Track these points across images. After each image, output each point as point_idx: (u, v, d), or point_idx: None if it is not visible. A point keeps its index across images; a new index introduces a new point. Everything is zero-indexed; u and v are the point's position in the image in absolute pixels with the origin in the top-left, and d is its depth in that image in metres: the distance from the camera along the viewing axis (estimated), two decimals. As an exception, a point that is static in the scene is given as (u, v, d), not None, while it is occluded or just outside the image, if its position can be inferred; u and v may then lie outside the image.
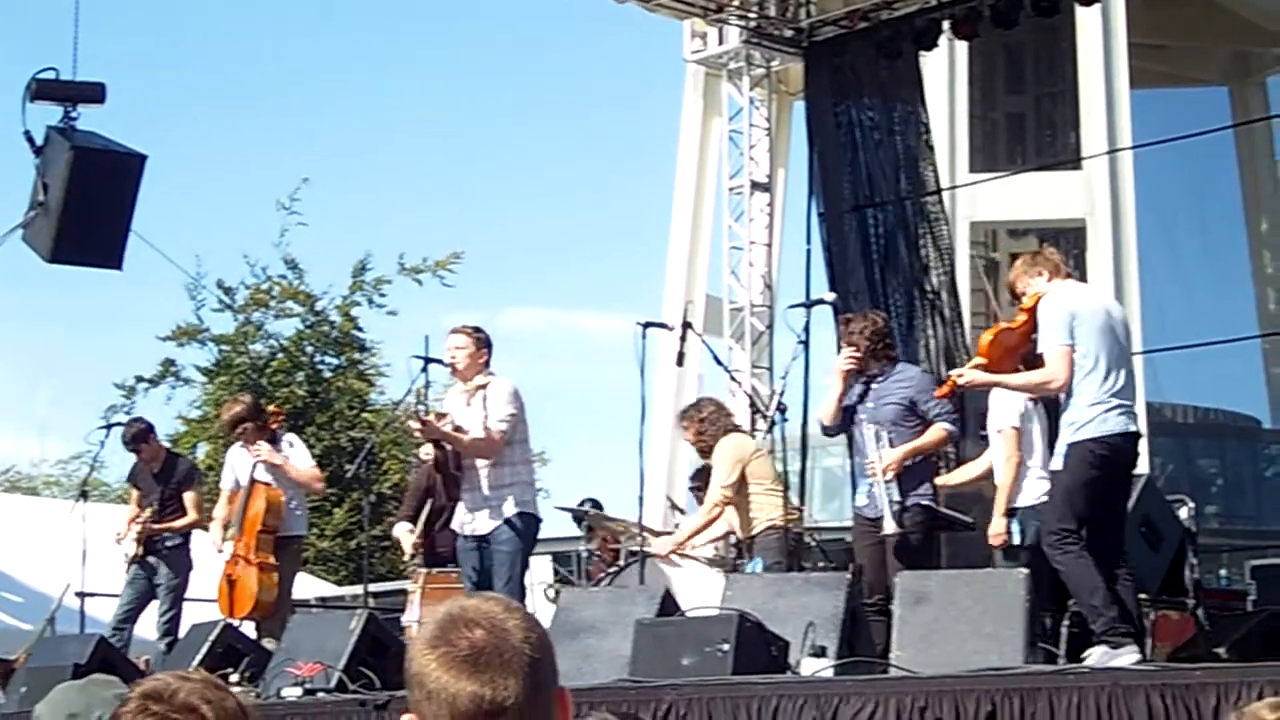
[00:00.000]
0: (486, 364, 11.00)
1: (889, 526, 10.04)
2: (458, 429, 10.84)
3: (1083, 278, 28.97)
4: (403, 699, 8.42)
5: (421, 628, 2.76)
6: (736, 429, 11.86)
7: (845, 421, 10.58)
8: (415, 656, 2.70)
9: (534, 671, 2.68)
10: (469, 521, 10.82)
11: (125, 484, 13.91)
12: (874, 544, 10.27)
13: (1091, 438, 8.69)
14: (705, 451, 11.63)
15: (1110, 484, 8.79)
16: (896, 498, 10.09)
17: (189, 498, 13.21)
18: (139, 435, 13.40)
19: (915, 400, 10.40)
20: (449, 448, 11.03)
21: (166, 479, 13.24)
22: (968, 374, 9.59)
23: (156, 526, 13.00)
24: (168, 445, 15.78)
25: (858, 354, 10.51)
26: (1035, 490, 9.71)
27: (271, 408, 13.01)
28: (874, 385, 10.51)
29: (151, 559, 13.06)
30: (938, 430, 10.34)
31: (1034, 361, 9.10)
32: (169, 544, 13.10)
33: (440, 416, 11.05)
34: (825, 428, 10.86)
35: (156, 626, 13.01)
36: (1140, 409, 28.83)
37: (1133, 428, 8.83)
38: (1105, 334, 8.85)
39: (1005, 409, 10.03)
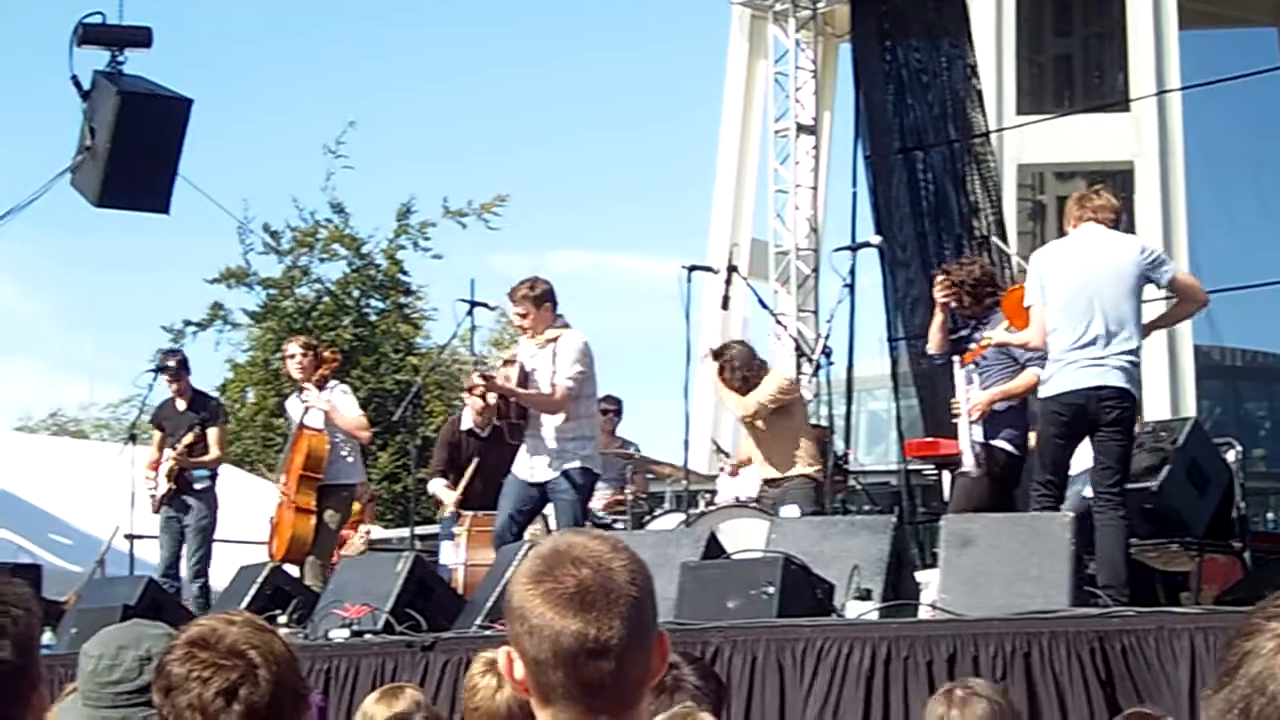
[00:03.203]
0: (553, 314, 10.89)
1: (967, 464, 9.90)
2: (526, 375, 10.79)
3: (1131, 220, 28.94)
4: (449, 640, 8.44)
5: (523, 561, 2.75)
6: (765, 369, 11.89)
7: (954, 352, 10.42)
8: (518, 590, 2.69)
9: (638, 613, 2.69)
10: (529, 467, 10.80)
11: (148, 424, 13.95)
12: (963, 482, 10.18)
13: (1049, 395, 8.85)
14: (746, 388, 11.58)
15: (1076, 441, 8.85)
16: (979, 439, 9.92)
17: (213, 434, 13.27)
18: (182, 364, 13.46)
19: (1008, 344, 10.20)
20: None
21: (197, 414, 13.31)
22: (994, 335, 9.65)
23: (192, 461, 13.08)
24: (218, 387, 15.89)
25: (951, 288, 10.34)
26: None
27: (327, 354, 13.05)
28: (979, 329, 10.34)
29: (184, 497, 13.14)
30: (1029, 374, 9.91)
31: None
32: (198, 484, 13.17)
33: (508, 363, 10.95)
34: (931, 355, 10.82)
35: (187, 568, 13.07)
36: (1186, 351, 28.68)
37: (1093, 382, 8.69)
38: (1074, 289, 8.80)
39: None
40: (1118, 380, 8.73)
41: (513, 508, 10.86)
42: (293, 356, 12.81)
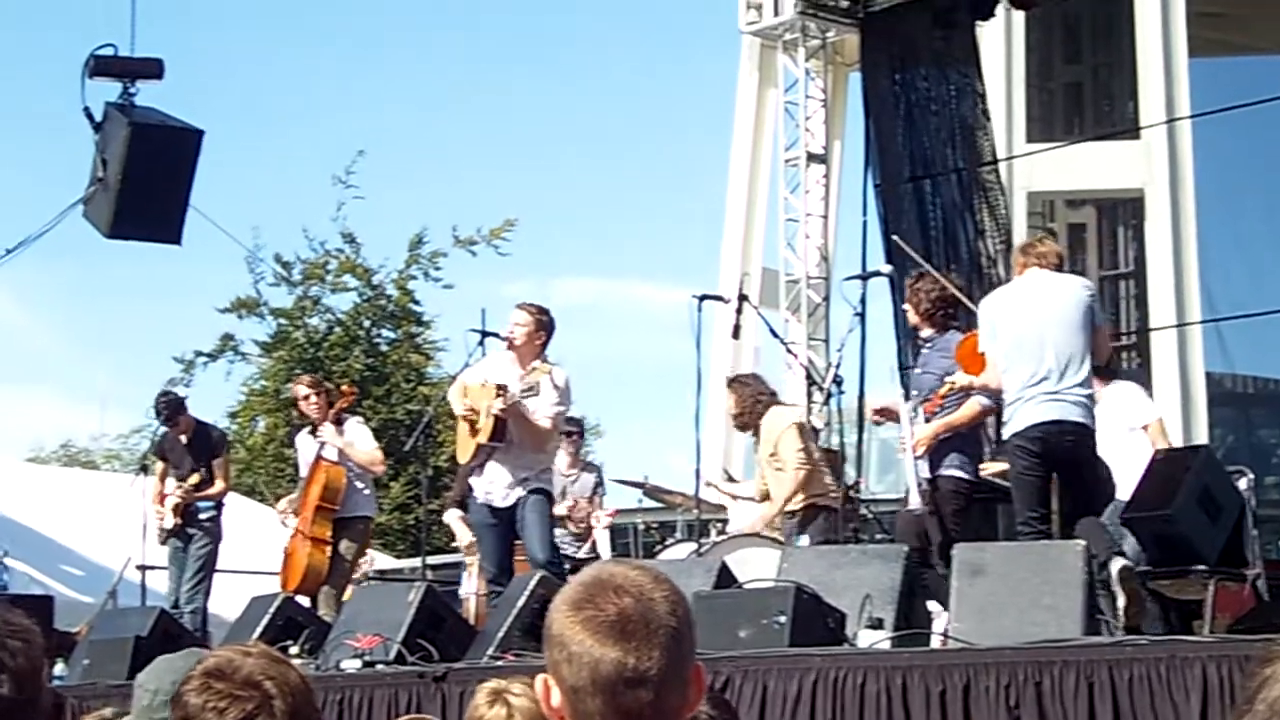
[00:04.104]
0: (544, 346, 10.91)
1: (913, 503, 10.06)
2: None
3: (1141, 248, 28.94)
4: (460, 670, 8.45)
5: (564, 589, 2.76)
6: (779, 402, 11.93)
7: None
8: (558, 618, 2.71)
9: (676, 644, 2.70)
10: (493, 491, 10.79)
11: (151, 455, 14.02)
12: (905, 516, 10.43)
13: (1011, 434, 9.21)
14: (746, 424, 11.67)
15: (1047, 473, 9.12)
16: (925, 474, 10.08)
17: (218, 465, 13.31)
18: (175, 406, 13.50)
19: (950, 372, 10.33)
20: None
21: (200, 449, 13.35)
22: (958, 379, 9.90)
23: (196, 495, 13.12)
24: (231, 413, 15.88)
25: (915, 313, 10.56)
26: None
27: (344, 388, 13.08)
28: (923, 351, 10.55)
29: (190, 530, 13.17)
30: (973, 404, 10.17)
31: None
32: (203, 515, 13.20)
33: (500, 388, 10.92)
34: None
35: (183, 594, 13.09)
36: (1198, 379, 28.68)
37: (1051, 416, 9.04)
38: (1024, 332, 9.19)
39: (1141, 403, 10.33)
40: (1076, 415, 9.12)
41: (497, 556, 10.88)
42: (306, 398, 12.81)
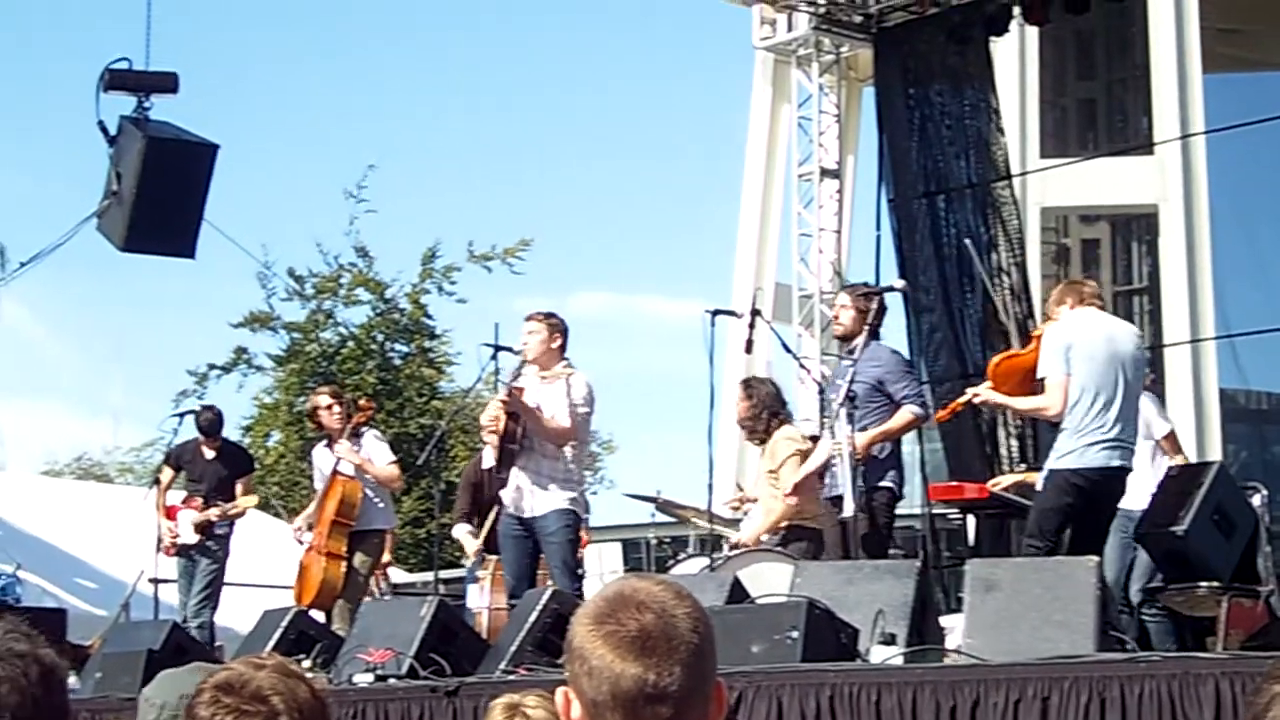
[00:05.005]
0: (562, 349, 10.93)
1: (848, 509, 10.02)
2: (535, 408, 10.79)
3: (1155, 264, 28.92)
4: (472, 685, 8.43)
5: (586, 602, 2.77)
6: (789, 422, 11.88)
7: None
8: (580, 631, 2.71)
9: (698, 661, 2.70)
10: (519, 500, 10.80)
11: (163, 465, 14.02)
12: (834, 528, 10.48)
13: (1069, 468, 9.19)
14: (752, 430, 11.61)
15: (1085, 512, 9.23)
16: (860, 483, 10.10)
17: (243, 483, 13.35)
18: (220, 421, 13.56)
19: (883, 381, 10.41)
20: (521, 420, 10.90)
21: (226, 465, 13.36)
22: (983, 393, 9.90)
23: (232, 513, 13.15)
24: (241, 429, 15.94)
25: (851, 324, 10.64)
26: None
27: (361, 402, 13.08)
28: (845, 361, 10.62)
29: (209, 544, 13.19)
30: (905, 413, 10.40)
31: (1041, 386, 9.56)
32: (219, 531, 13.23)
33: (518, 390, 10.92)
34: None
35: (190, 609, 13.10)
36: (1211, 395, 28.69)
37: (1115, 463, 9.20)
38: (1102, 367, 9.23)
39: (1158, 415, 10.78)
40: (1128, 461, 9.34)
41: (518, 568, 10.87)
42: (328, 408, 12.77)
